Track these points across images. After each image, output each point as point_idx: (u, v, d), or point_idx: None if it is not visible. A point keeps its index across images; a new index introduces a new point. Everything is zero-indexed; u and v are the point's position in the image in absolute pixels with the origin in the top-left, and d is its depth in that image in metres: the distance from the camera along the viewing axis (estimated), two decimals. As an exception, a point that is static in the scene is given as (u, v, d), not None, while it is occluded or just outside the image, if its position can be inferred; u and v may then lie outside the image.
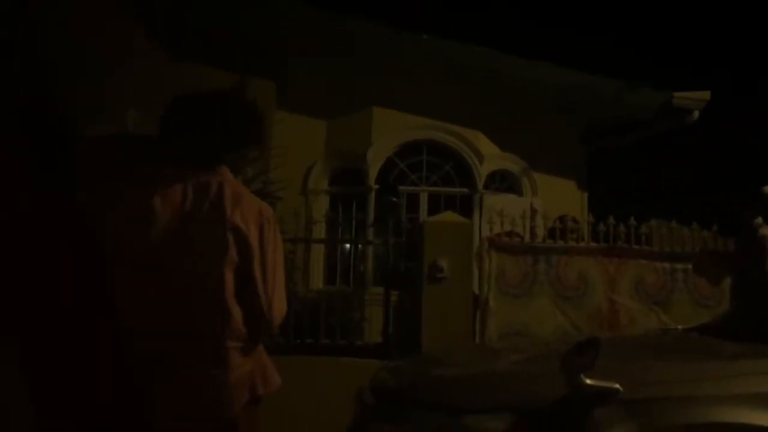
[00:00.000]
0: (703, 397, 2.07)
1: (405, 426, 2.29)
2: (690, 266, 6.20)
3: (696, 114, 9.49)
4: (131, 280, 2.03)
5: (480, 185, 9.67)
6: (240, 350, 2.13)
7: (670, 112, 9.54)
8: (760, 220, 5.24)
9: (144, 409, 1.89)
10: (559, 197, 9.40)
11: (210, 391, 2.06)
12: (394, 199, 5.61)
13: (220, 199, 2.20)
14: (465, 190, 9.68)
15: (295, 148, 8.66)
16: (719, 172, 13.06)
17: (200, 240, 2.15)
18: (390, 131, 9.61)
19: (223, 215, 2.16)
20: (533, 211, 7.45)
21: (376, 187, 9.19)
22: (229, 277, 2.13)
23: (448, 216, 6.47)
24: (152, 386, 1.94)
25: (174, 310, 2.06)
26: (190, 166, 2.28)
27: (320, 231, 7.18)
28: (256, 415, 2.18)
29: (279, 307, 2.25)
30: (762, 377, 2.14)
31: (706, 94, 9.33)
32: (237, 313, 2.14)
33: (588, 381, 2.04)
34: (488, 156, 9.82)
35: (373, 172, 9.43)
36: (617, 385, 2.05)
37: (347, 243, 7.19)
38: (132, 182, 2.20)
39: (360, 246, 7.03)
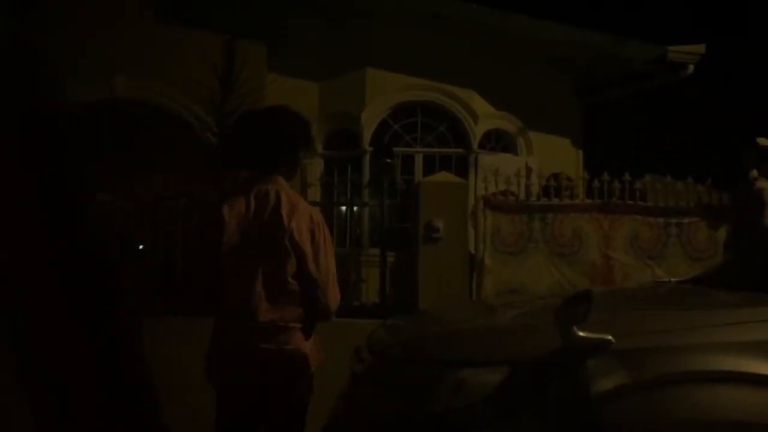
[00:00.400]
0: (695, 345, 2.10)
1: (402, 381, 2.32)
2: (684, 221, 6.23)
3: (691, 68, 9.44)
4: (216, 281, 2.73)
5: (475, 145, 9.64)
6: (303, 330, 2.73)
7: (665, 66, 9.48)
8: (755, 172, 5.25)
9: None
10: (555, 155, 9.38)
11: (291, 356, 2.66)
12: (389, 160, 5.61)
13: (278, 208, 2.72)
14: (460, 150, 9.66)
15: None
16: (714, 126, 13.04)
17: (265, 243, 2.68)
18: (384, 93, 9.55)
19: (281, 224, 2.69)
20: (528, 170, 7.46)
21: (371, 149, 9.17)
22: (291, 272, 2.67)
23: (443, 176, 6.47)
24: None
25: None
26: (252, 177, 2.80)
27: (315, 194, 7.17)
28: (313, 380, 2.73)
29: (333, 296, 2.75)
30: (754, 325, 2.16)
31: (700, 48, 9.27)
32: (300, 301, 2.70)
33: (581, 333, 2.07)
34: (483, 116, 9.78)
35: (367, 135, 9.40)
36: (609, 337, 2.08)
37: (343, 205, 7.20)
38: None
39: (356, 208, 7.04)
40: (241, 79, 6.91)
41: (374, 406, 2.40)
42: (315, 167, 9.14)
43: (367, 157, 9.14)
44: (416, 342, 2.58)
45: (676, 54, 9.30)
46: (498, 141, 10.01)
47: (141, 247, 6.22)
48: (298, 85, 9.20)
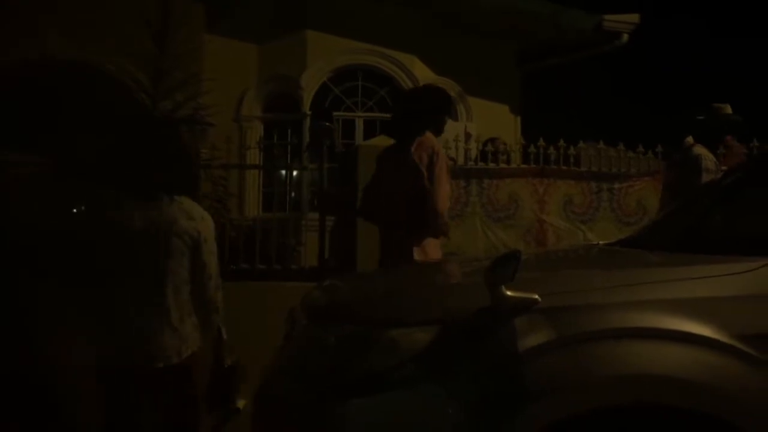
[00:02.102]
0: (619, 303, 2.17)
1: (335, 341, 2.34)
2: (615, 186, 6.41)
3: (625, 37, 9.63)
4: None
5: (415, 110, 9.64)
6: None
7: (601, 34, 9.64)
8: (691, 139, 5.39)
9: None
10: (494, 121, 9.49)
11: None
12: (328, 124, 5.58)
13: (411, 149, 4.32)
14: (400, 115, 9.66)
15: (227, 74, 8.46)
16: (647, 94, 13.35)
17: (408, 172, 4.25)
18: (325, 56, 9.47)
19: (411, 156, 4.28)
20: (467, 136, 7.52)
21: (311, 113, 9.11)
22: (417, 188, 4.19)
23: (382, 140, 6.46)
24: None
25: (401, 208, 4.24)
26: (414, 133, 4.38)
27: (255, 158, 7.10)
28: None
29: (442, 202, 4.26)
30: (673, 284, 2.25)
31: (634, 17, 9.45)
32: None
33: (508, 292, 2.12)
34: (423, 81, 9.78)
35: (307, 98, 9.32)
36: (536, 296, 2.14)
37: (282, 169, 7.16)
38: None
39: (295, 172, 7.01)
40: (178, 38, 6.76)
41: (307, 366, 2.43)
42: (254, 130, 9.04)
43: (307, 121, 9.09)
44: (350, 302, 2.61)
45: (611, 23, 9.47)
46: (438, 106, 10.02)
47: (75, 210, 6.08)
48: (237, 47, 9.05)
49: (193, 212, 2.99)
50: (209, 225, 3.03)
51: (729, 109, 5.48)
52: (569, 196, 6.29)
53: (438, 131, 4.46)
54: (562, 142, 6.43)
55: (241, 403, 3.01)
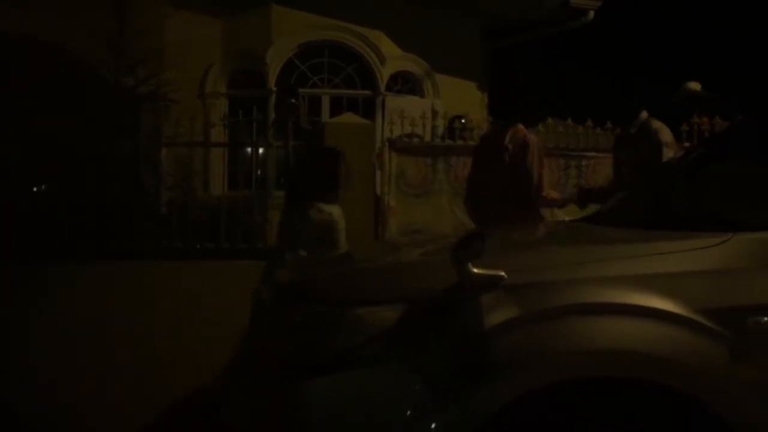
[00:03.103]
0: (583, 279, 2.19)
1: (302, 320, 2.33)
2: (583, 163, 6.46)
3: (591, 14, 9.67)
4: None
5: (382, 87, 9.62)
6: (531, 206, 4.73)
7: (568, 11, 9.67)
8: (645, 113, 5.40)
9: None
10: (461, 98, 9.49)
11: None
12: (293, 100, 5.53)
13: (504, 139, 4.93)
14: (367, 92, 9.63)
15: (191, 49, 8.34)
16: (613, 72, 13.43)
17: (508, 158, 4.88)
18: (290, 31, 9.37)
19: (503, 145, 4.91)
20: (434, 113, 7.51)
21: (276, 89, 9.01)
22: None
23: (349, 117, 6.45)
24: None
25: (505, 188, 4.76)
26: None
27: (219, 135, 7.01)
28: None
29: (542, 183, 4.86)
30: (638, 260, 2.27)
31: (600, -6, 9.49)
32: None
33: (475, 270, 2.12)
34: (390, 57, 9.74)
35: (272, 74, 9.23)
36: (502, 273, 2.14)
37: (247, 147, 7.09)
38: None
39: (260, 150, 6.94)
40: (139, 13, 6.62)
41: (274, 345, 2.41)
42: (219, 107, 8.92)
43: (273, 98, 8.99)
44: (317, 280, 2.59)
45: (577, 0, 9.50)
46: (405, 83, 10.02)
47: (36, 189, 5.98)
48: (201, 21, 8.90)
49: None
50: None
51: (697, 87, 5.51)
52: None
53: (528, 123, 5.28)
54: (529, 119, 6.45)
55: (207, 383, 2.99)
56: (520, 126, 5.04)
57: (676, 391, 2.08)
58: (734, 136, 3.29)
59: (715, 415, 2.06)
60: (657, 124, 5.27)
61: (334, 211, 4.14)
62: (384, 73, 9.64)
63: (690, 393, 2.08)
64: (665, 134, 5.12)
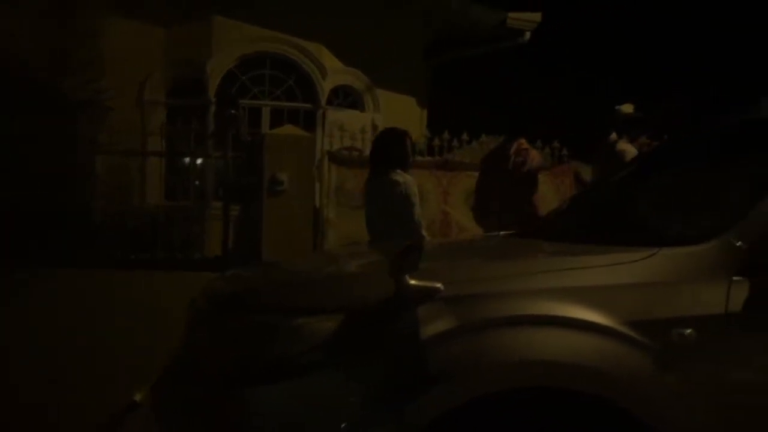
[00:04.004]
0: (517, 292, 2.24)
1: (240, 330, 2.32)
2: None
3: (527, 35, 9.90)
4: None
5: (323, 100, 9.64)
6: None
7: (505, 31, 9.88)
8: (615, 135, 5.62)
9: None
10: (401, 114, 9.58)
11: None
12: (233, 111, 5.50)
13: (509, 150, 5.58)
14: (308, 105, 9.63)
15: (131, 57, 8.21)
16: (549, 92, 13.78)
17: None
18: (232, 42, 9.32)
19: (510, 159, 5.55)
20: (374, 127, 7.56)
21: (216, 100, 8.94)
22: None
23: (289, 129, 6.45)
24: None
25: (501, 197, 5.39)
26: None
27: (157, 144, 6.92)
28: None
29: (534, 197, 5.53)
30: (570, 272, 2.33)
31: (537, 16, 9.74)
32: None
33: (412, 281, 2.15)
34: (332, 71, 9.77)
35: (213, 85, 9.15)
36: (439, 284, 2.18)
37: (185, 156, 7.01)
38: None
39: (199, 160, 6.87)
40: (80, 18, 6.49)
41: (210, 356, 2.39)
42: (158, 115, 8.79)
43: (213, 108, 8.92)
44: (254, 291, 2.59)
45: (514, 20, 9.73)
46: (346, 97, 10.06)
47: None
48: (142, 29, 8.77)
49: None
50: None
51: (630, 108, 5.73)
52: (471, 188, 6.43)
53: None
54: (465, 136, 6.58)
55: (138, 396, 2.94)
56: (523, 140, 5.63)
57: (606, 401, 2.14)
58: (660, 155, 3.43)
59: (645, 426, 2.13)
60: (624, 146, 5.47)
61: (408, 177, 5.00)
62: (325, 87, 9.66)
63: (619, 403, 2.14)
64: (631, 155, 5.32)
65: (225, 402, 2.18)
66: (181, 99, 9.14)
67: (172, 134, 6.74)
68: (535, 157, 5.63)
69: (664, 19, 16.16)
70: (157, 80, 9.10)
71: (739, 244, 2.26)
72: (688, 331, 2.18)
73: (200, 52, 9.12)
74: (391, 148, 5.04)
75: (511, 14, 9.74)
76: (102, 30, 7.48)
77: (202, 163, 6.87)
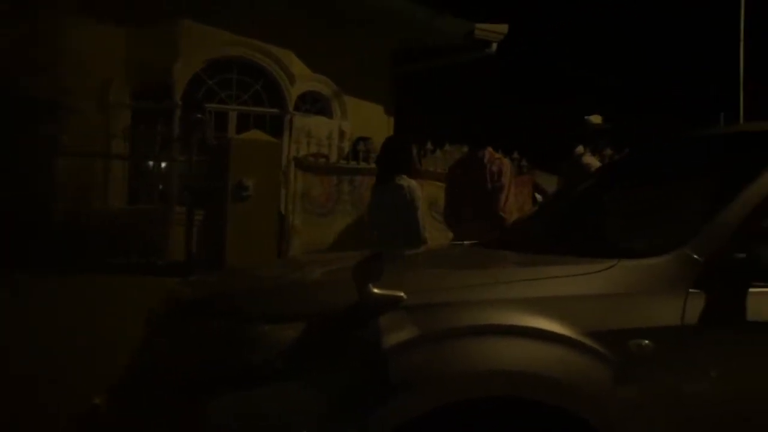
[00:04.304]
0: (480, 301, 2.26)
1: (201, 337, 2.31)
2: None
3: (494, 46, 10.00)
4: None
5: (290, 106, 9.62)
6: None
7: (472, 42, 9.96)
8: (581, 148, 5.71)
9: None
10: (368, 121, 9.61)
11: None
12: (199, 115, 5.47)
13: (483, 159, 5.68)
14: (275, 110, 9.60)
15: (96, 59, 8.11)
16: (514, 102, 13.94)
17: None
18: (199, 46, 9.26)
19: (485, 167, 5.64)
20: (341, 134, 7.56)
21: (182, 103, 8.87)
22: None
23: (255, 134, 6.42)
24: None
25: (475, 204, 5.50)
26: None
27: (121, 147, 6.83)
28: None
29: (503, 204, 5.56)
30: (532, 283, 2.36)
31: (503, 28, 9.85)
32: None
33: (375, 290, 2.16)
34: (300, 77, 9.76)
35: (179, 88, 9.07)
36: (402, 293, 2.19)
37: (149, 160, 6.94)
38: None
39: (164, 164, 6.80)
40: (43, 19, 6.40)
41: (171, 363, 2.37)
42: (122, 118, 8.68)
43: (178, 112, 8.84)
44: (217, 297, 2.57)
45: (481, 32, 9.82)
46: (314, 103, 10.05)
47: None
48: (106, 30, 8.67)
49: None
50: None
51: (598, 119, 5.82)
52: (435, 197, 6.49)
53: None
54: (429, 145, 6.62)
55: (97, 400, 2.89)
56: (490, 149, 5.77)
57: (565, 411, 2.16)
58: (622, 168, 3.48)
59: None
60: (589, 159, 5.56)
61: (412, 183, 5.23)
62: (293, 93, 9.64)
63: (579, 414, 2.16)
64: (595, 168, 5.40)
65: (186, 409, 2.16)
66: (147, 102, 9.04)
67: (136, 137, 6.66)
68: (509, 166, 5.79)
69: (632, 32, 16.45)
70: (123, 83, 9.00)
71: (696, 257, 2.31)
72: (646, 342, 2.22)
73: (167, 55, 9.04)
74: (396, 154, 5.24)
75: (478, 25, 9.83)
76: (66, 30, 7.38)
77: (166, 167, 6.80)
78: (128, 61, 8.94)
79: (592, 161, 5.57)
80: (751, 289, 2.29)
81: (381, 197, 5.21)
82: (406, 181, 5.16)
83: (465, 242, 3.66)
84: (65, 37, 7.30)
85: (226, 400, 2.13)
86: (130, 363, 2.65)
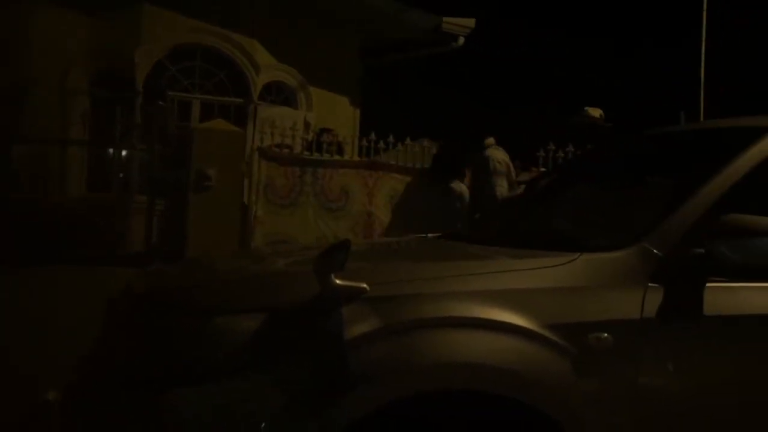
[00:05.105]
0: (441, 293, 2.25)
1: (160, 329, 2.27)
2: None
3: (461, 40, 10.03)
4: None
5: (255, 96, 9.53)
6: None
7: (440, 35, 9.98)
8: (491, 140, 5.71)
9: None
10: (334, 113, 9.56)
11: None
12: (161, 103, 5.38)
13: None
14: (240, 100, 9.51)
15: (55, 44, 7.94)
16: (481, 95, 14.01)
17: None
18: (162, 32, 9.11)
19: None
20: (306, 125, 7.51)
21: (144, 91, 8.72)
22: None
23: (219, 124, 6.35)
24: None
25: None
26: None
27: (80, 134, 6.70)
28: None
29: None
30: (494, 276, 2.37)
31: (471, 22, 9.88)
32: None
33: (338, 281, 2.14)
34: (265, 67, 9.67)
35: (141, 75, 8.92)
36: (364, 285, 2.17)
37: (109, 148, 6.82)
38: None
39: (124, 152, 6.69)
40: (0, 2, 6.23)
41: (129, 356, 2.33)
42: (81, 104, 8.50)
43: (140, 99, 8.68)
44: (175, 289, 2.53)
45: (449, 25, 9.84)
46: (279, 94, 9.97)
47: None
48: (66, 15, 8.48)
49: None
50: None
51: (596, 112, 5.61)
52: (395, 189, 6.50)
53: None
54: (391, 138, 6.63)
55: (51, 395, 2.83)
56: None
57: (524, 403, 2.17)
58: (584, 163, 3.51)
59: (561, 429, 2.17)
60: (493, 152, 5.56)
61: (464, 188, 5.59)
62: (258, 82, 9.55)
63: (539, 407, 2.17)
64: (496, 163, 5.46)
65: (143, 404, 2.12)
66: (107, 89, 8.88)
67: (95, 125, 6.53)
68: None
69: (595, 30, 16.63)
70: (82, 69, 8.81)
71: (655, 251, 2.33)
72: (605, 335, 2.24)
73: (129, 41, 8.88)
74: (455, 158, 5.64)
75: (446, 19, 9.84)
76: (26, 15, 7.21)
77: (127, 156, 6.69)
78: (88, 46, 8.75)
79: (497, 154, 5.61)
80: (708, 284, 2.32)
81: (429, 196, 5.49)
82: (459, 186, 5.62)
83: (429, 235, 3.66)
84: (22, 21, 7.12)
85: (184, 394, 2.09)
86: (86, 357, 2.59)
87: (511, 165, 5.73)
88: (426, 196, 5.45)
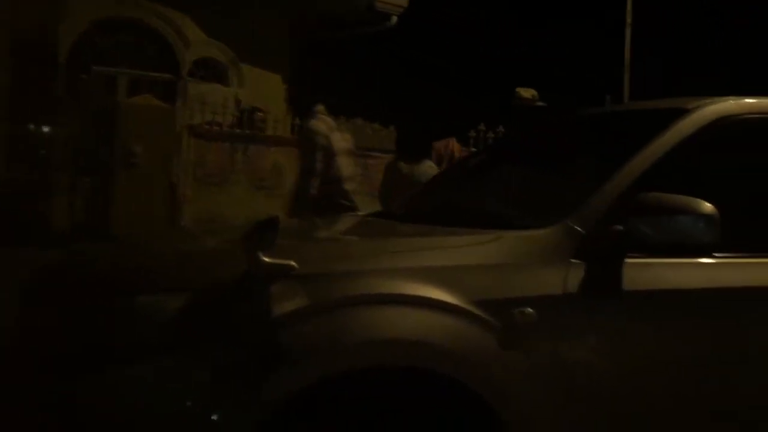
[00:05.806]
0: (371, 271, 2.27)
1: (77, 310, 2.21)
2: (369, 162, 6.71)
3: (394, 19, 10.03)
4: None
5: (185, 72, 9.33)
6: None
7: (373, 14, 9.96)
8: (321, 107, 5.46)
9: None
10: (265, 90, 9.45)
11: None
12: (84, 76, 5.21)
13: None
14: (169, 76, 9.29)
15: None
16: (414, 75, 14.05)
17: None
18: (86, 4, 8.81)
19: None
20: (237, 102, 7.41)
21: (67, 64, 8.43)
22: None
23: (146, 99, 6.20)
24: None
25: None
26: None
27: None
28: None
29: None
30: (422, 253, 2.39)
31: (404, 1, 9.88)
32: None
33: (266, 259, 2.13)
34: (195, 42, 9.48)
35: (64, 49, 8.62)
36: (293, 262, 2.16)
37: (29, 124, 6.58)
38: None
39: (46, 128, 6.46)
40: None
41: (48, 340, 2.27)
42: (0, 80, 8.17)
43: (63, 73, 8.40)
44: (96, 269, 2.47)
45: (382, 4, 9.83)
46: (209, 70, 9.79)
47: None
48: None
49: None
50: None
51: (528, 93, 5.50)
52: None
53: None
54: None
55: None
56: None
57: (453, 379, 2.20)
58: (509, 143, 3.57)
59: (487, 404, 2.21)
60: (315, 125, 5.23)
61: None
62: (187, 58, 9.35)
63: (464, 381, 2.20)
64: (320, 136, 5.17)
65: (61, 389, 2.07)
66: (29, 62, 8.54)
67: (16, 99, 6.29)
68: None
69: (526, 13, 16.84)
70: (2, 41, 8.46)
71: (577, 229, 2.40)
72: (529, 310, 2.29)
73: (51, 13, 8.56)
74: (423, 139, 5.87)
75: (379, -2, 9.82)
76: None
77: (49, 132, 6.46)
78: (9, 18, 8.40)
79: (317, 126, 5.26)
80: (627, 261, 2.39)
81: (412, 172, 5.62)
82: (430, 163, 5.85)
83: (359, 213, 3.67)
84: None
85: (105, 377, 2.05)
86: (3, 341, 2.51)
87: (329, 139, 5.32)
88: (405, 170, 5.52)
